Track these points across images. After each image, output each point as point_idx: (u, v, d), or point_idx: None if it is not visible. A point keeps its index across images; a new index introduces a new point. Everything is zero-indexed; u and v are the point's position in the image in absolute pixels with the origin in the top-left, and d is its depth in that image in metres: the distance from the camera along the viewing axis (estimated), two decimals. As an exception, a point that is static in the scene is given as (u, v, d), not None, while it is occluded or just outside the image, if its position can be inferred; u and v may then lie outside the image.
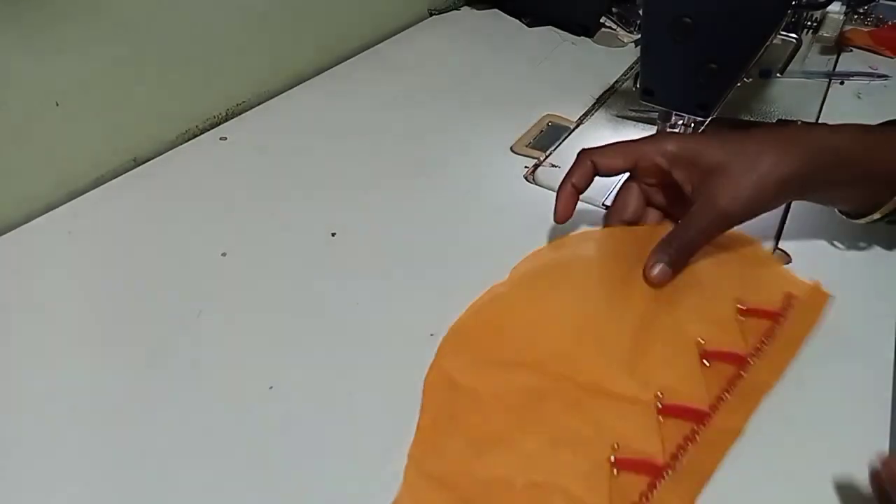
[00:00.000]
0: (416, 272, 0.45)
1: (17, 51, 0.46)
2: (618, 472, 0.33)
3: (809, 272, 0.45)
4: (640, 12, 0.47)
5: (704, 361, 0.38)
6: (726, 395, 0.37)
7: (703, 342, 0.39)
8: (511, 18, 0.85)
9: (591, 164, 0.43)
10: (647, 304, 0.41)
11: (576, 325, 0.40)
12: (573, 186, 0.43)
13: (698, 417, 0.36)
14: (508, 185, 0.54)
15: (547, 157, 0.58)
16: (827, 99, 0.68)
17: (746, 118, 0.64)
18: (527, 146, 0.59)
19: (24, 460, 0.33)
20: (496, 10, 0.87)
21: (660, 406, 0.36)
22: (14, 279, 0.44)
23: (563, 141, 0.60)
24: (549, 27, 0.83)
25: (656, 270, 0.41)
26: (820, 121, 0.63)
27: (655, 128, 0.52)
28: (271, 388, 0.37)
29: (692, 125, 0.51)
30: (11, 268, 0.45)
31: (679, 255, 0.41)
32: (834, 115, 0.64)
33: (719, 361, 0.39)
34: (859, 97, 0.69)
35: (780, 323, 0.40)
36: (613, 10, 0.83)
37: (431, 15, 0.86)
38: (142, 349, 0.39)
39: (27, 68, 0.47)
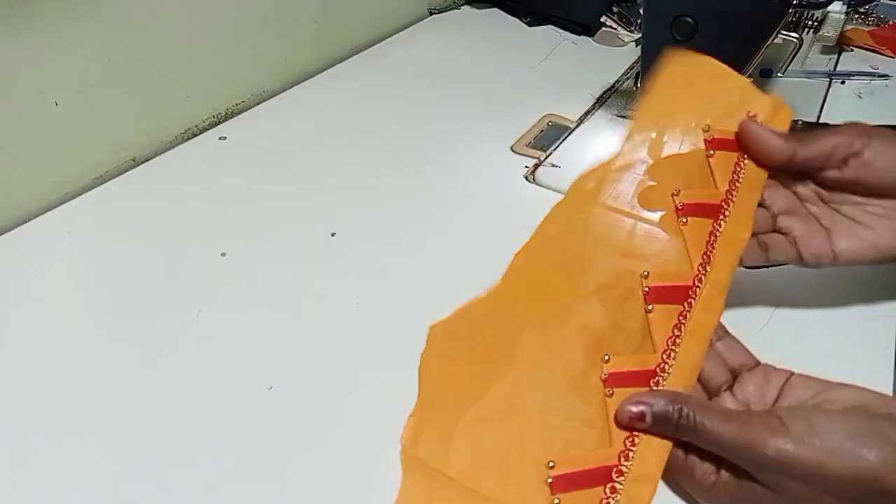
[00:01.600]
0: (416, 272, 0.45)
1: (16, 50, 0.46)
2: (611, 391, 0.31)
3: (809, 273, 0.45)
4: (641, 11, 0.47)
5: (683, 220, 0.36)
6: (707, 263, 0.34)
7: (677, 193, 0.36)
8: (511, 18, 0.85)
9: None
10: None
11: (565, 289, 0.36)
12: None
13: (683, 296, 0.34)
14: (509, 185, 0.54)
15: (547, 156, 0.58)
16: (828, 98, 0.68)
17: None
18: (527, 146, 0.59)
19: (24, 460, 0.33)
20: (496, 10, 0.87)
21: (645, 291, 0.34)
22: (13, 279, 0.44)
23: (563, 140, 0.60)
24: (550, 26, 0.83)
25: (765, 139, 0.36)
26: (821, 121, 0.63)
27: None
28: (271, 388, 0.37)
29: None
30: (11, 268, 0.45)
31: (797, 146, 0.36)
32: (835, 114, 0.64)
33: (695, 216, 0.36)
34: (860, 97, 0.69)
35: (745, 156, 0.38)
36: (614, 9, 0.83)
37: (431, 14, 0.86)
38: (141, 349, 0.39)
39: (26, 68, 0.47)
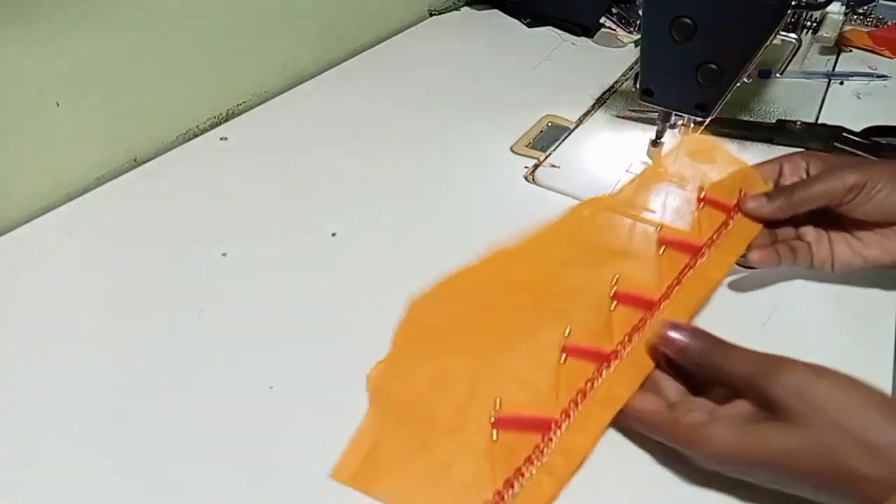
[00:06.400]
0: (415, 272, 0.45)
1: (17, 50, 0.46)
2: (566, 358, 0.35)
3: (808, 272, 0.45)
4: (640, 12, 0.47)
5: (660, 249, 0.40)
6: (676, 285, 0.39)
7: (659, 229, 0.41)
8: (511, 19, 0.85)
9: None
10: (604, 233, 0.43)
11: (539, 274, 0.41)
12: None
13: (647, 306, 0.37)
14: (508, 186, 0.54)
15: (547, 157, 0.58)
16: (826, 99, 0.68)
17: (746, 118, 0.64)
18: (527, 146, 0.59)
19: (24, 460, 0.33)
20: (496, 11, 0.87)
21: (613, 293, 0.38)
22: (15, 279, 0.44)
23: (562, 141, 0.60)
24: (549, 27, 0.83)
25: (756, 202, 0.42)
26: (819, 121, 0.63)
27: (655, 128, 0.52)
28: (271, 387, 0.37)
29: (692, 125, 0.51)
30: (12, 268, 0.45)
31: (785, 203, 0.41)
32: (833, 115, 0.64)
33: (674, 249, 0.41)
34: (859, 97, 0.69)
35: (733, 217, 0.43)
36: (613, 10, 0.83)
37: (431, 15, 0.86)
38: (142, 349, 0.39)
39: (27, 68, 0.47)
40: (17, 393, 0.37)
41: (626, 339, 0.36)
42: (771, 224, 0.43)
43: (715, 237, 0.41)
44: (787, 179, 0.43)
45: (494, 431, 0.32)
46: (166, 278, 0.44)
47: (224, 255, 0.46)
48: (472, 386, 0.34)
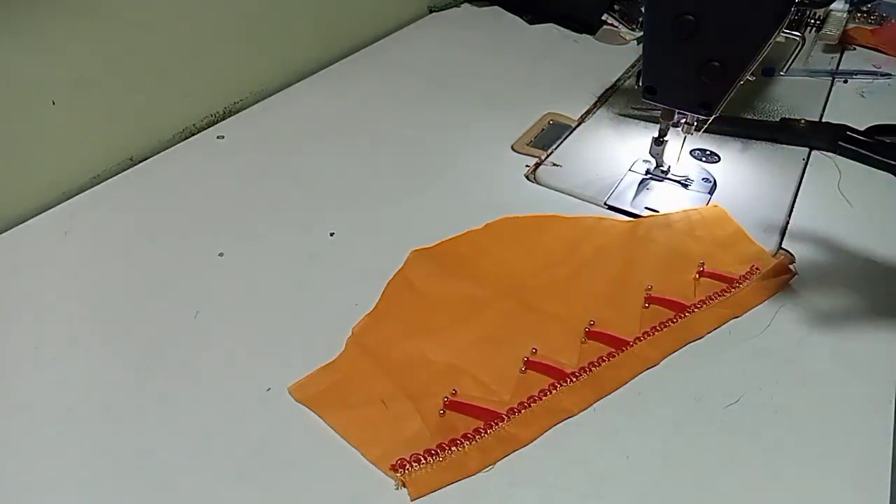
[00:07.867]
0: (415, 272, 0.45)
1: (13, 50, 0.46)
2: (525, 369, 0.38)
3: (811, 273, 0.45)
4: (643, 10, 0.47)
5: (645, 304, 0.42)
6: (654, 332, 0.40)
7: (650, 288, 0.43)
8: (512, 16, 0.85)
9: None
10: (608, 254, 0.46)
11: (531, 265, 0.45)
12: None
13: (619, 345, 0.40)
14: (509, 184, 0.54)
15: (548, 155, 0.57)
16: (830, 97, 0.67)
17: (749, 116, 0.63)
18: (528, 145, 0.59)
19: (22, 460, 0.33)
20: (497, 8, 0.87)
21: (587, 330, 0.40)
22: (11, 279, 0.44)
23: (564, 139, 0.59)
24: (551, 24, 0.83)
25: None
26: (824, 119, 0.63)
27: (658, 126, 0.52)
28: (269, 389, 0.37)
29: (695, 124, 0.51)
30: (8, 268, 0.44)
31: None
32: (837, 113, 0.63)
33: (660, 306, 0.42)
34: (862, 96, 0.68)
35: (736, 287, 0.44)
36: (615, 7, 0.83)
37: (431, 12, 0.85)
38: (139, 349, 0.39)
39: (23, 67, 0.47)
40: (11, 393, 0.36)
41: (589, 365, 0.38)
42: None
43: (707, 301, 0.43)
44: None
45: (444, 410, 0.36)
46: (162, 278, 0.44)
47: (221, 254, 0.46)
48: (439, 373, 0.38)
